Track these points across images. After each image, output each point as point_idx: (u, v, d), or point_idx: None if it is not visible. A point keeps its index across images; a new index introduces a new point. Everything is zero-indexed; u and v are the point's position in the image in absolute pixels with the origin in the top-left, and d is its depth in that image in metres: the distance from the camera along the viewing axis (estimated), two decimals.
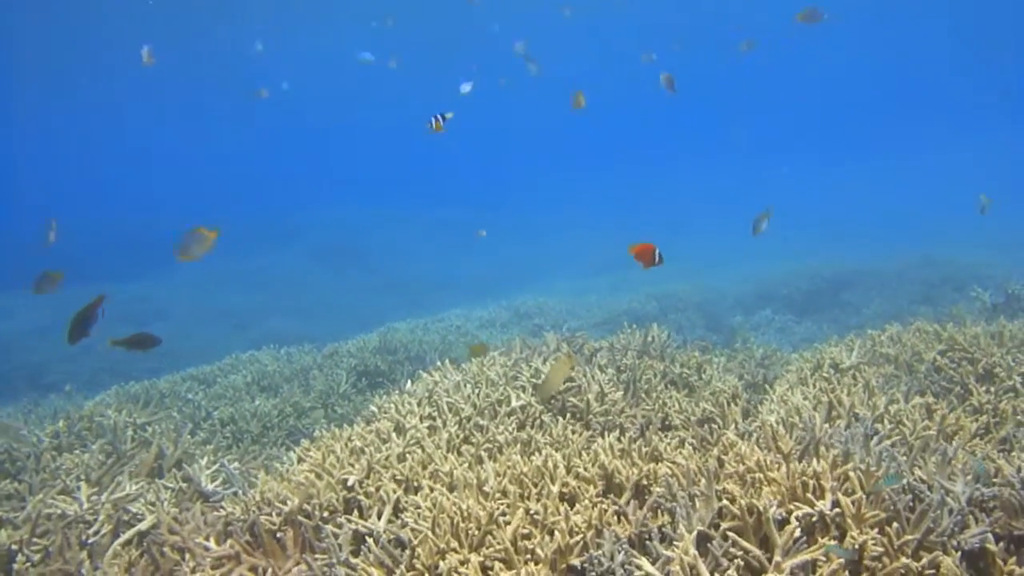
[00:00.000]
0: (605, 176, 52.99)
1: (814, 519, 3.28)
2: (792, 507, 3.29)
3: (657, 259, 6.72)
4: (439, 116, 8.14)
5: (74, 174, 50.72)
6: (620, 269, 22.70)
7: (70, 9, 32.17)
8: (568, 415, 5.21)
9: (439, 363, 6.23)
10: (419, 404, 5.28)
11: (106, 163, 58.89)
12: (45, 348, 17.88)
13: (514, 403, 5.17)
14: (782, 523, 3.22)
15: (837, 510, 3.24)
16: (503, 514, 3.55)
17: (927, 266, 15.76)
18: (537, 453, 4.34)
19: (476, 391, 5.34)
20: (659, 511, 3.60)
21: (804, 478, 3.39)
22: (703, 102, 62.64)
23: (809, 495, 3.33)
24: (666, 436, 4.85)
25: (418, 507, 3.72)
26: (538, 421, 5.06)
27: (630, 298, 15.16)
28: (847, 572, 3.01)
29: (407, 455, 4.39)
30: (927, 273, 15.41)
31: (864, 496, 3.24)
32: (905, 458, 3.89)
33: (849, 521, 3.18)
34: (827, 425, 4.42)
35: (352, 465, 4.31)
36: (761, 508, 3.23)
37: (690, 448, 4.36)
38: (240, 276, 25.09)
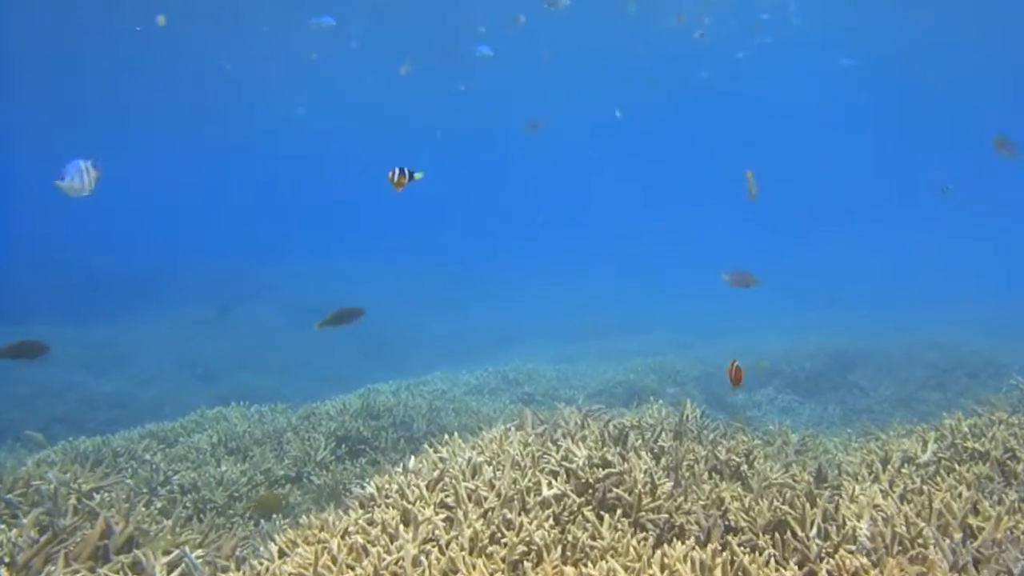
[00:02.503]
0: (579, 237, 52.68)
1: None
2: None
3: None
4: (404, 171, 6.89)
5: (39, 211, 49.41)
6: (605, 337, 21.95)
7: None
8: (613, 510, 4.29)
9: (446, 436, 5.31)
10: (429, 488, 4.34)
11: (72, 202, 57.62)
12: None
13: (545, 492, 4.25)
14: None
15: None
16: None
17: (933, 349, 15.08)
18: (588, 563, 3.42)
19: (497, 473, 4.42)
20: None
21: None
22: (683, 163, 63.05)
23: None
24: (734, 541, 3.96)
25: None
26: (578, 516, 4.12)
27: (626, 368, 14.31)
28: None
29: (422, 558, 3.45)
30: (934, 356, 14.72)
31: None
32: None
33: None
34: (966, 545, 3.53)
35: (354, 569, 3.35)
36: None
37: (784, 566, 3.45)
38: (209, 326, 23.99)
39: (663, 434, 5.71)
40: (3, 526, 4.79)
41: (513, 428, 5.85)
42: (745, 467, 5.29)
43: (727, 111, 46.73)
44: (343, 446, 8.53)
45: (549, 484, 4.33)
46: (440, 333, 26.69)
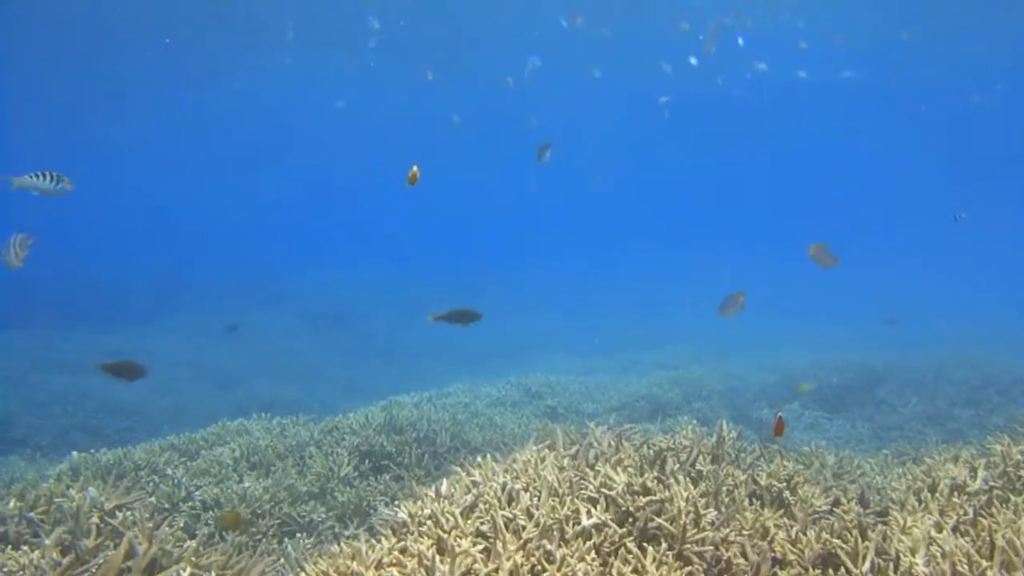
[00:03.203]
0: (599, 248, 52.46)
1: None
2: None
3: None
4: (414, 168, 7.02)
5: (55, 219, 49.59)
6: (624, 351, 21.73)
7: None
8: (656, 541, 4.11)
9: (479, 459, 5.16)
10: (464, 516, 4.18)
11: (93, 210, 57.99)
12: (13, 398, 16.64)
13: (585, 521, 4.09)
14: None
15: None
16: None
17: (964, 365, 14.79)
18: None
19: (534, 499, 4.26)
20: None
21: None
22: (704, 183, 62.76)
23: None
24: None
25: None
26: (620, 548, 3.95)
27: (649, 382, 14.10)
28: None
29: None
30: (965, 373, 14.43)
31: None
32: None
33: None
34: None
35: None
36: None
37: None
38: (227, 334, 23.91)
39: (700, 457, 5.54)
40: (25, 548, 4.66)
41: (545, 448, 5.69)
42: (787, 493, 5.11)
43: (756, 124, 46.38)
44: (367, 461, 8.38)
45: (588, 512, 4.16)
46: (458, 342, 26.49)
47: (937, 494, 5.09)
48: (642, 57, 33.30)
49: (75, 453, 8.03)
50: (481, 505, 4.27)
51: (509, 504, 4.24)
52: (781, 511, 4.90)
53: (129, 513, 5.53)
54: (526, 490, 4.44)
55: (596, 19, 28.27)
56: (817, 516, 4.82)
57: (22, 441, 15.35)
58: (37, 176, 6.58)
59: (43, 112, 40.83)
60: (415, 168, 6.92)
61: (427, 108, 41.76)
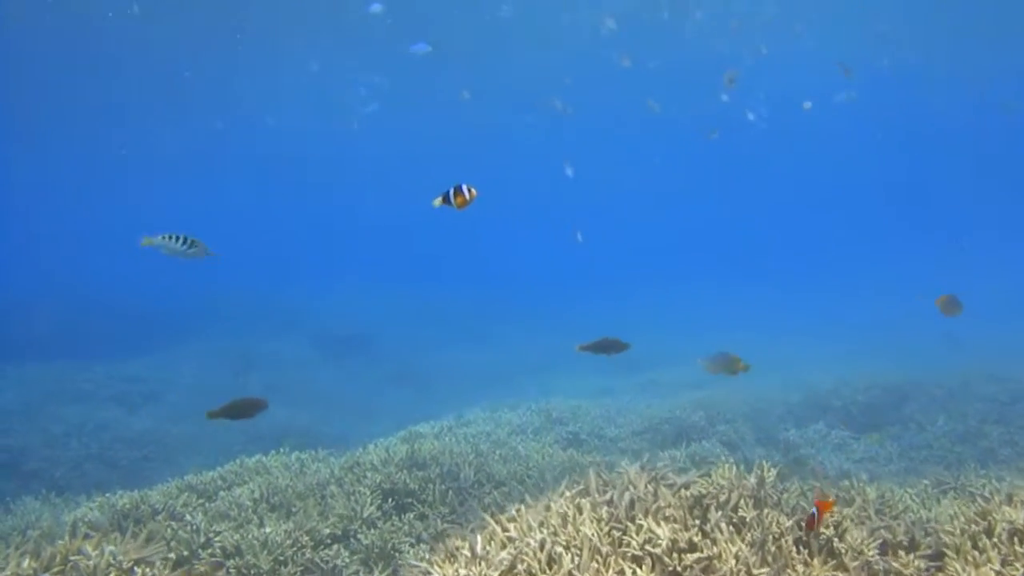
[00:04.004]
0: (613, 266, 52.26)
1: None
2: None
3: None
4: (463, 188, 6.47)
5: (70, 245, 49.70)
6: (642, 369, 21.46)
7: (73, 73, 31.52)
8: None
9: (512, 510, 4.93)
10: None
11: (104, 234, 58.17)
12: (28, 431, 16.51)
13: None
14: None
15: None
16: None
17: (992, 382, 14.48)
18: None
19: (576, 560, 4.03)
20: None
21: None
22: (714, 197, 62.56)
23: None
24: None
25: None
26: None
27: (672, 404, 13.83)
28: None
29: None
30: (993, 389, 14.13)
31: None
32: None
33: None
34: None
35: None
36: None
37: None
38: (241, 360, 23.75)
39: (742, 501, 5.30)
40: None
41: (579, 496, 5.46)
42: (837, 541, 4.87)
43: (781, 143, 46.17)
44: (389, 500, 8.15)
45: (634, 573, 3.94)
46: (474, 362, 26.34)
47: (995, 539, 4.84)
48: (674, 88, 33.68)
49: (89, 505, 7.80)
50: (520, 567, 4.04)
51: (550, 567, 4.02)
52: (832, 561, 4.67)
53: (148, 569, 5.33)
54: (567, 549, 4.21)
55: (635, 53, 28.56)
56: (869, 566, 4.58)
57: (36, 474, 15.22)
58: (169, 237, 6.66)
59: (61, 136, 40.99)
60: (467, 190, 6.44)
61: (442, 126, 41.81)
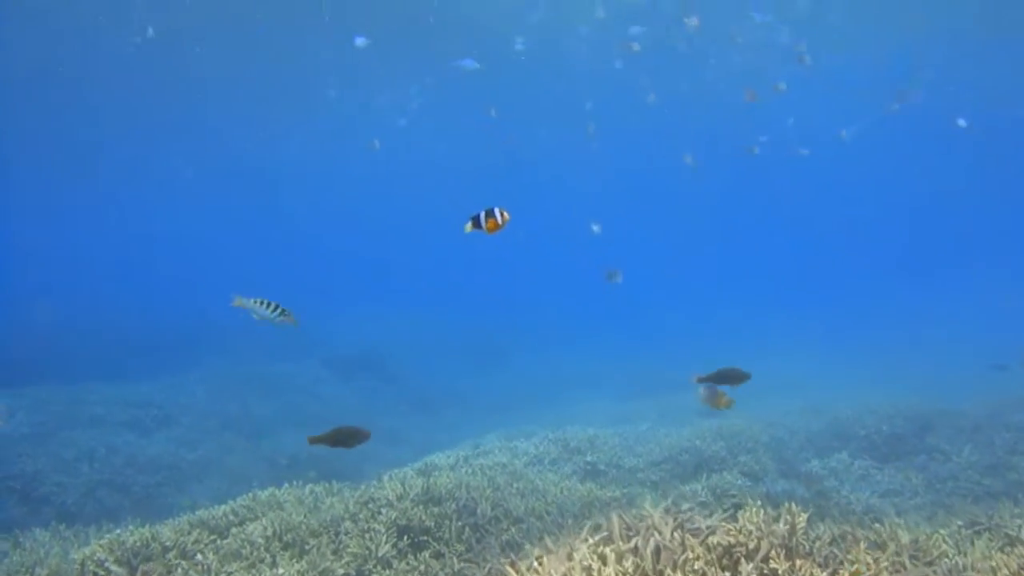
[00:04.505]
0: (632, 290, 52.01)
1: None
2: None
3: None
4: (496, 212, 6.37)
5: (83, 268, 49.76)
6: (661, 393, 21.20)
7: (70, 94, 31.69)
8: None
9: (534, 561, 4.73)
10: None
11: (119, 259, 58.30)
12: (40, 455, 16.34)
13: None
14: None
15: None
16: None
17: (1020, 409, 14.17)
18: None
19: None
20: None
21: None
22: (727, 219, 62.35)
23: None
24: None
25: None
26: None
27: (691, 433, 13.55)
28: None
29: None
30: (1021, 418, 13.82)
31: None
32: None
33: None
34: None
35: None
36: None
37: None
38: (256, 382, 23.59)
39: (773, 551, 5.09)
40: None
41: (599, 542, 5.26)
42: None
43: (800, 169, 46.01)
44: (405, 537, 7.96)
45: None
46: (490, 386, 26.16)
47: None
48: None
49: (99, 543, 7.62)
50: None
51: None
52: None
53: None
54: None
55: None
56: None
57: (47, 500, 15.09)
58: (260, 302, 7.15)
59: (68, 160, 41.18)
60: (500, 213, 6.27)
61: (467, 149, 41.89)
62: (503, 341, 33.14)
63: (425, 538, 8.03)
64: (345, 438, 6.45)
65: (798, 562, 4.96)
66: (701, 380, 6.67)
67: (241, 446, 19.45)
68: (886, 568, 5.50)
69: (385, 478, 9.99)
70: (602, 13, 26.23)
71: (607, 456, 12.64)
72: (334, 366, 26.89)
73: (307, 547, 7.74)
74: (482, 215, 6.35)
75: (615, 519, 5.79)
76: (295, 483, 9.76)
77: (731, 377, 6.64)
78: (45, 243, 57.81)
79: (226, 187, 51.30)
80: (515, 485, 9.82)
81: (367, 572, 7.34)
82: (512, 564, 4.91)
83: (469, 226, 6.42)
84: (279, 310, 6.97)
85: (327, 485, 9.77)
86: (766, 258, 66.21)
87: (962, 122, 25.12)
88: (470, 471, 10.62)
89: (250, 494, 9.28)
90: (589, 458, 12.56)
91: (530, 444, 13.31)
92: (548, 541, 5.82)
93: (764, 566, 4.93)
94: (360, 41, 24.29)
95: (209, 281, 51.62)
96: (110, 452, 16.93)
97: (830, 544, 5.66)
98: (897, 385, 18.75)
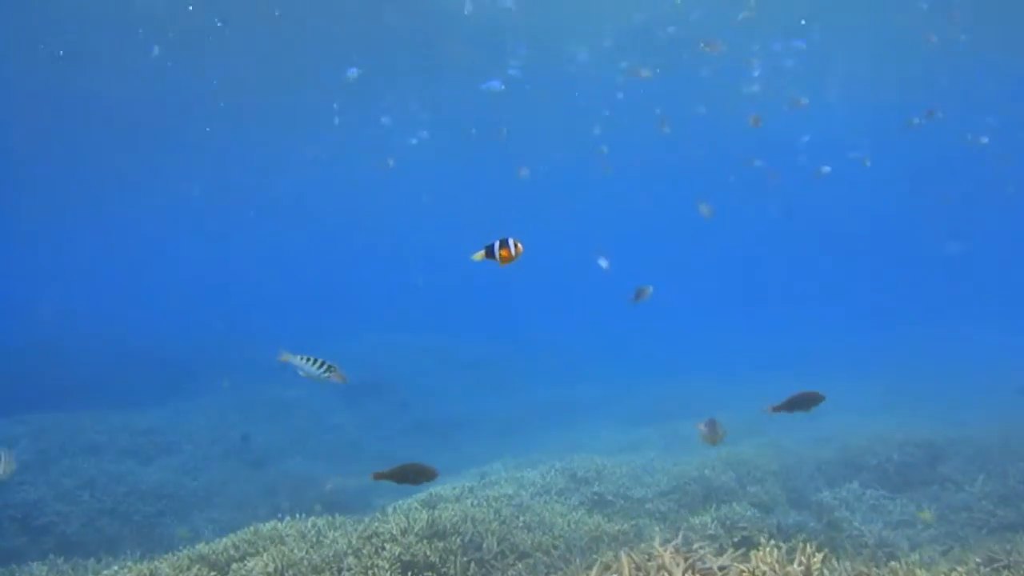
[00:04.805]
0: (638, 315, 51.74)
1: None
2: None
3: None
4: (510, 243, 6.13)
5: (81, 292, 49.70)
6: (669, 419, 21.00)
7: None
8: None
9: None
10: None
11: (120, 281, 58.33)
12: (41, 484, 16.16)
13: None
14: None
15: None
16: None
17: None
18: None
19: None
20: None
21: None
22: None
23: None
24: None
25: None
26: None
27: (699, 463, 13.36)
28: None
29: None
30: None
31: None
32: None
33: None
34: None
35: None
36: None
37: None
38: (258, 408, 23.41)
39: None
40: None
41: None
42: None
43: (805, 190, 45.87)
44: (408, 573, 7.79)
45: None
46: (497, 412, 25.96)
47: None
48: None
49: None
50: None
51: None
52: None
53: None
54: None
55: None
56: None
57: (47, 529, 14.92)
58: (307, 359, 7.28)
59: (74, 179, 41.25)
60: (514, 244, 6.09)
61: (478, 177, 41.88)
62: (511, 366, 32.94)
63: (429, 574, 7.86)
64: (412, 475, 6.37)
65: None
66: (776, 409, 6.51)
67: (243, 473, 19.27)
68: None
69: (389, 510, 9.83)
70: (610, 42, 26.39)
71: (615, 486, 12.47)
72: (341, 390, 26.68)
73: None
74: (496, 245, 6.19)
75: (624, 560, 5.64)
76: (298, 516, 9.59)
77: (807, 401, 6.46)
78: (48, 267, 57.92)
79: (233, 210, 51.30)
80: (521, 518, 9.66)
81: None
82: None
83: (480, 255, 6.26)
84: (325, 367, 7.03)
85: (330, 519, 9.59)
86: (778, 279, 66.00)
87: (984, 139, 25.25)
88: (475, 502, 10.45)
89: (251, 527, 9.10)
90: (596, 488, 12.39)
91: (537, 474, 13.13)
92: None
93: None
94: (352, 72, 24.48)
95: (216, 305, 51.64)
96: (111, 480, 16.76)
97: None
98: (919, 409, 18.58)
